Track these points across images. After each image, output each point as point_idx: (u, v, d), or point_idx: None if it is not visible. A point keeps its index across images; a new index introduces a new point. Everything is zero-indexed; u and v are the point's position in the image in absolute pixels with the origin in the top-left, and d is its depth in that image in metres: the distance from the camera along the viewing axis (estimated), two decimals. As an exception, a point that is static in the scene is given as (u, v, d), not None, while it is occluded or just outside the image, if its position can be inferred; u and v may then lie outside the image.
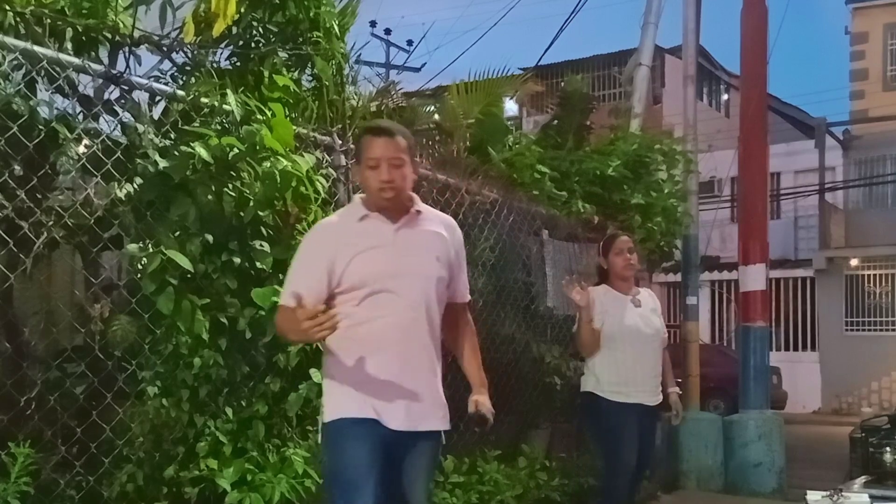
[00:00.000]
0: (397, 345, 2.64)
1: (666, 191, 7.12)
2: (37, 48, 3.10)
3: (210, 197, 3.34)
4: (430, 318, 2.71)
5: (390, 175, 2.65)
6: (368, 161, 2.67)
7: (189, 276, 3.25)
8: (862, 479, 5.58)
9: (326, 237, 2.73)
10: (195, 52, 3.79)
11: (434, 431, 2.74)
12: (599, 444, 4.76)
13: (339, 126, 4.31)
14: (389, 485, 2.64)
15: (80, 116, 3.42)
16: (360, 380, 2.63)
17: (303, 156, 3.68)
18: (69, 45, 3.39)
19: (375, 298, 2.64)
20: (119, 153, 3.31)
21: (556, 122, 7.22)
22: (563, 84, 7.64)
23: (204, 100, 3.51)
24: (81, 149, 3.31)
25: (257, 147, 3.43)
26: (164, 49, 3.75)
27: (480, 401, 2.79)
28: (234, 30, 3.84)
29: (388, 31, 21.87)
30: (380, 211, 2.71)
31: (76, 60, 3.27)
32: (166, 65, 3.82)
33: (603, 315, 4.44)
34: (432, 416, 2.72)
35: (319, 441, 2.77)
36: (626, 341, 4.42)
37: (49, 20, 3.30)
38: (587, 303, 4.37)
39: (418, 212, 2.77)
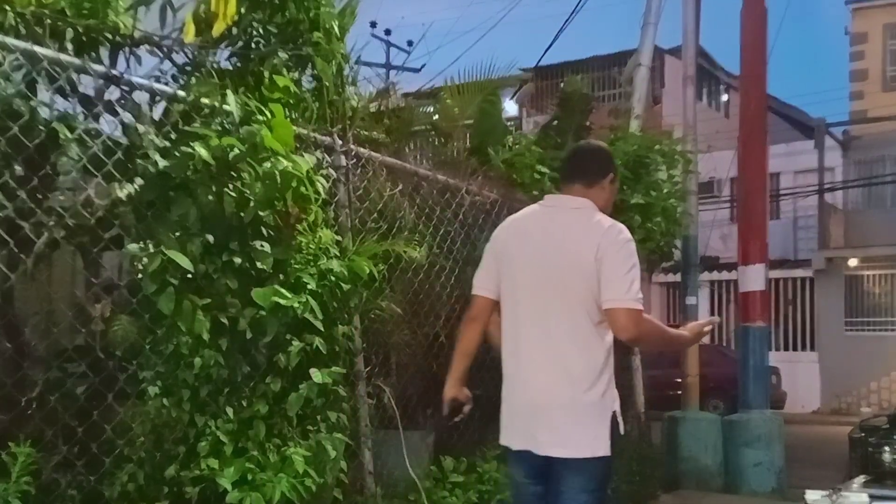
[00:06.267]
0: None
1: (665, 191, 7.13)
2: (37, 48, 3.09)
3: (210, 197, 3.34)
4: None
5: None
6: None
7: (190, 276, 3.25)
8: (861, 479, 5.57)
9: None
10: (195, 53, 3.78)
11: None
12: None
13: (340, 127, 4.32)
14: None
15: (81, 117, 3.42)
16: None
17: (303, 156, 3.68)
18: (70, 46, 3.39)
19: None
20: (120, 153, 3.31)
21: (555, 122, 7.22)
22: (562, 85, 7.65)
23: (204, 100, 3.51)
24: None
25: (257, 147, 3.43)
26: (165, 49, 3.75)
27: None
28: (235, 30, 3.84)
29: (388, 32, 21.89)
30: None
31: (77, 61, 3.27)
32: (167, 65, 3.82)
33: None
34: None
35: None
36: None
37: (49, 20, 3.29)
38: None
39: None
